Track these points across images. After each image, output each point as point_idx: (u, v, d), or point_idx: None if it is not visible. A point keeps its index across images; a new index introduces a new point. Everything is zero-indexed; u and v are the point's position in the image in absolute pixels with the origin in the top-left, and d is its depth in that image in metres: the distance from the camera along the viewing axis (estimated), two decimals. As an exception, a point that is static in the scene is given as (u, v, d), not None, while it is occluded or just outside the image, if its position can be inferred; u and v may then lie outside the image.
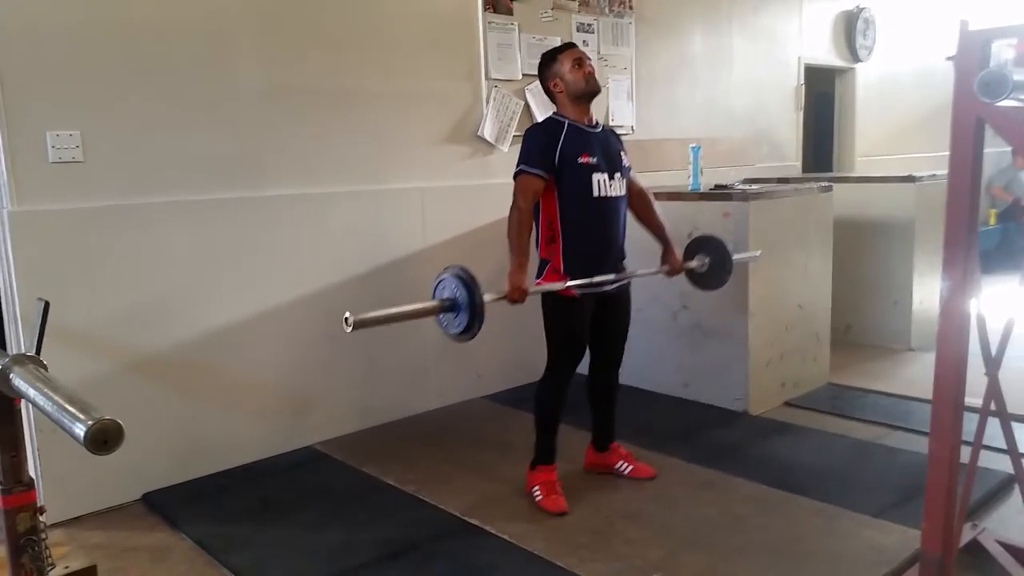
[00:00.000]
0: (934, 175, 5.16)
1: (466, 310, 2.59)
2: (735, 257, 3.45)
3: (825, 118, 7.38)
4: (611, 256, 3.09)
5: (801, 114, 6.55)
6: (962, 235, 1.72)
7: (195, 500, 3.27)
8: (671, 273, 3.37)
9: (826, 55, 6.76)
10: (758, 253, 3.79)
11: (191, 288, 3.43)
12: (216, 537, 2.93)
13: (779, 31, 6.26)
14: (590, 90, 3.04)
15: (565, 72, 3.03)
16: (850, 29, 6.92)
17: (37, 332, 1.37)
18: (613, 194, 3.04)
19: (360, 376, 4.00)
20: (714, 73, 5.74)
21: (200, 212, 3.43)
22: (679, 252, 3.38)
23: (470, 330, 2.62)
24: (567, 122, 3.03)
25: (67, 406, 1.11)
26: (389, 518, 3.05)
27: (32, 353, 1.36)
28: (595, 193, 2.99)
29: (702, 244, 3.48)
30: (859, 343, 5.26)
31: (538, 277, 3.10)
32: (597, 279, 3.00)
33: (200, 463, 3.49)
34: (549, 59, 3.10)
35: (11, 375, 1.30)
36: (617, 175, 3.06)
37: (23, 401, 1.36)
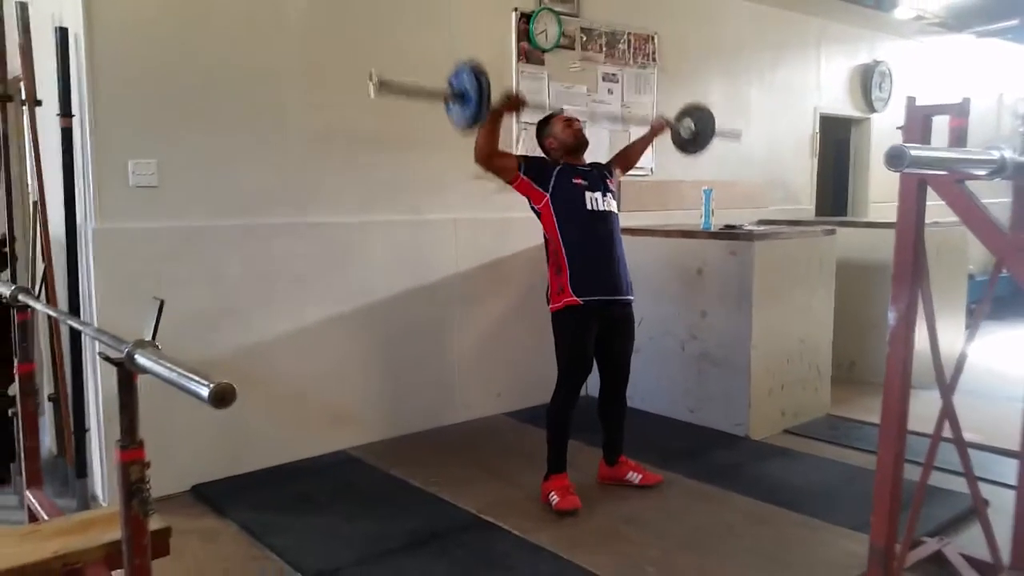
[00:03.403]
0: (936, 222, 5.43)
1: (475, 100, 3.07)
2: (719, 130, 3.86)
3: (843, 164, 7.69)
4: (613, 267, 3.48)
5: (815, 160, 6.88)
6: (908, 274, 2.05)
7: (240, 492, 3.64)
8: (655, 129, 3.89)
9: (842, 106, 7.10)
10: (740, 132, 4.18)
11: (245, 303, 3.83)
12: (260, 523, 3.29)
13: (796, 83, 6.62)
14: (579, 143, 3.57)
15: (558, 132, 3.56)
16: (866, 82, 7.25)
17: (154, 324, 1.75)
18: (603, 208, 3.49)
19: (391, 389, 4.37)
20: (731, 120, 6.07)
21: (257, 235, 3.84)
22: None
23: (478, 118, 3.09)
24: (563, 163, 3.54)
25: (191, 375, 1.47)
26: (415, 513, 3.39)
27: (149, 339, 1.74)
28: (588, 206, 3.45)
29: (693, 111, 3.90)
30: (862, 380, 5.51)
31: (549, 303, 3.49)
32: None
33: (244, 461, 3.86)
34: (543, 124, 3.66)
35: (136, 355, 1.68)
36: (609, 194, 3.54)
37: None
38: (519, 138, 4.76)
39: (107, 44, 3.39)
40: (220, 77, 3.70)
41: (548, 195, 3.44)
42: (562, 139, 3.55)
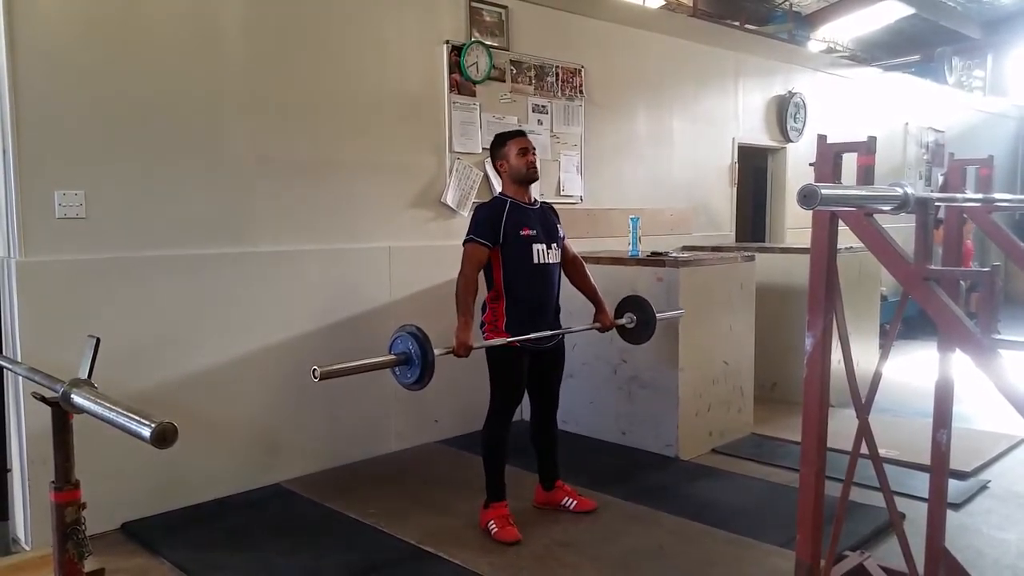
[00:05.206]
0: (851, 248, 5.72)
1: (419, 363, 2.98)
2: (659, 315, 3.90)
3: (761, 192, 7.98)
4: (548, 313, 3.56)
5: (734, 189, 7.14)
6: (822, 301, 2.18)
7: (172, 529, 3.56)
8: (603, 329, 3.81)
9: (759, 136, 7.39)
10: (682, 311, 4.25)
11: (177, 334, 3.77)
12: (194, 560, 3.23)
13: (716, 114, 6.88)
14: (529, 177, 3.55)
15: (511, 157, 3.52)
16: (782, 112, 7.57)
17: (90, 362, 1.74)
18: (550, 261, 3.54)
19: (325, 420, 4.34)
20: (656, 150, 6.31)
21: (188, 266, 3.80)
22: (610, 311, 3.83)
23: (421, 381, 3.00)
24: (509, 201, 3.53)
25: (131, 415, 1.48)
26: (352, 546, 3.38)
27: (85, 378, 1.73)
28: (535, 260, 3.47)
29: (630, 304, 3.94)
30: (784, 399, 5.72)
31: (483, 329, 3.54)
32: (534, 335, 3.45)
33: (175, 496, 3.78)
34: (500, 142, 3.60)
35: (72, 395, 1.67)
36: (554, 245, 3.56)
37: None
38: (452, 169, 4.83)
39: (31, 71, 3.33)
40: (150, 104, 3.67)
41: (498, 246, 3.44)
42: (515, 167, 3.51)
